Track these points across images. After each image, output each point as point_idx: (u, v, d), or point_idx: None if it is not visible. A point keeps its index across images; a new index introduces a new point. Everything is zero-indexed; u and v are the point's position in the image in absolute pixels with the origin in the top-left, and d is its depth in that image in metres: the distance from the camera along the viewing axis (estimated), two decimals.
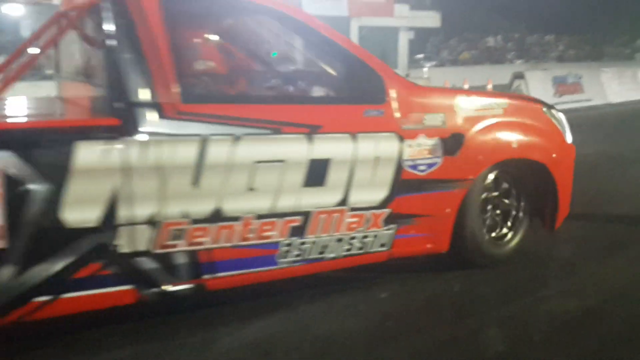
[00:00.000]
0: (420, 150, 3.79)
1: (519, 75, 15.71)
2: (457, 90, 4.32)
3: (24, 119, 3.13)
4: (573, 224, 4.87)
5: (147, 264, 3.10)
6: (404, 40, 24.21)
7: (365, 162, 3.60)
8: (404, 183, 3.75)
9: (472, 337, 3.27)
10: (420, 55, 28.77)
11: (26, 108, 3.56)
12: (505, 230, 4.37)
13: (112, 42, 3.05)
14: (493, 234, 4.29)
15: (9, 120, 3.09)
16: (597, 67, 19.45)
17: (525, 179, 4.38)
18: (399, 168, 3.72)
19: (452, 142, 3.90)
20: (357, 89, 3.69)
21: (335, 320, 3.46)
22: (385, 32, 23.74)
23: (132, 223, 3.01)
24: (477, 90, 4.73)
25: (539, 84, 15.39)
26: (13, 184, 2.74)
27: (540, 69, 18.88)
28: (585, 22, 43.68)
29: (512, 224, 4.38)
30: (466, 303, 3.76)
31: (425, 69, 22.26)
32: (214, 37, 3.73)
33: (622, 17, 46.23)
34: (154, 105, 3.04)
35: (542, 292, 3.87)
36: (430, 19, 24.13)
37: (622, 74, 17.61)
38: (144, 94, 3.03)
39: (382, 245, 3.79)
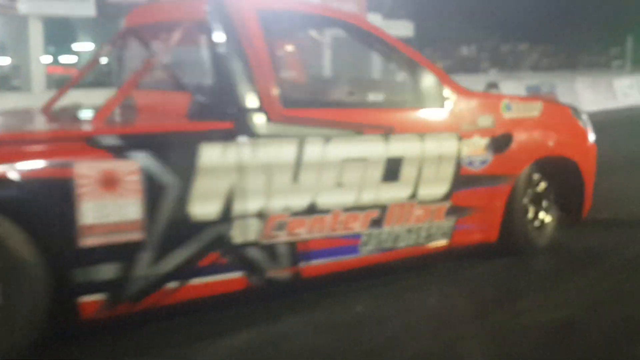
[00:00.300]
0: (475, 149, 4.19)
1: (493, 85, 16.24)
2: (501, 95, 4.71)
3: (156, 123, 3.43)
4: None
5: (255, 253, 3.43)
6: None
7: (430, 159, 3.99)
8: (462, 178, 4.14)
9: (449, 353, 3.18)
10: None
11: (134, 113, 3.84)
12: (542, 221, 4.78)
13: (221, 54, 3.38)
14: (534, 225, 4.69)
15: (139, 124, 3.38)
16: (571, 76, 19.89)
17: (556, 174, 4.79)
18: (458, 165, 4.11)
19: (501, 141, 4.32)
20: (421, 93, 4.07)
21: (311, 335, 3.36)
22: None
23: (244, 216, 3.34)
24: (513, 95, 5.13)
25: (512, 93, 15.97)
26: (149, 181, 3.05)
27: (514, 78, 19.49)
28: (560, 31, 44.63)
29: (547, 216, 4.80)
30: (444, 315, 3.68)
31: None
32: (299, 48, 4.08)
33: (596, 26, 47.34)
34: (261, 110, 3.38)
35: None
36: (404, 29, 24.44)
37: (596, 83, 17.95)
38: (252, 101, 3.37)
39: (444, 235, 4.18)
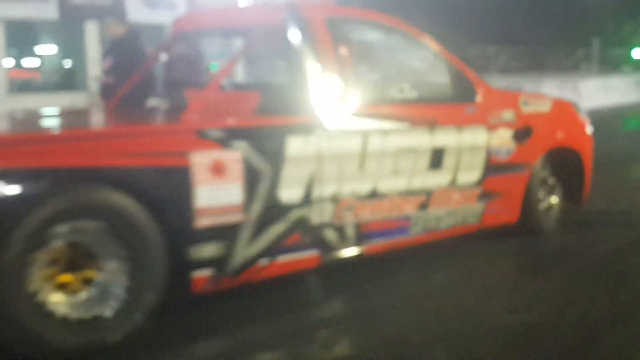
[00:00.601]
0: (501, 140, 4.71)
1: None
2: (518, 93, 5.23)
3: (254, 118, 3.78)
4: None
5: (329, 233, 3.86)
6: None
7: (466, 149, 4.48)
8: (491, 166, 4.65)
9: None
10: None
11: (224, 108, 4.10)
12: (550, 204, 5.32)
13: (297, 56, 3.80)
14: (545, 208, 5.24)
15: (240, 118, 3.73)
16: (539, 77, 20.32)
17: (562, 163, 5.33)
18: (488, 154, 4.62)
19: (522, 133, 4.85)
20: (457, 90, 4.56)
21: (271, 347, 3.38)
22: None
23: (321, 200, 3.76)
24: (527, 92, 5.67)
25: None
26: (249, 169, 3.44)
27: (483, 79, 20.04)
28: (528, 33, 45.65)
29: (556, 200, 5.35)
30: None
31: None
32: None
33: (564, 28, 48.56)
34: (333, 106, 3.81)
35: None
36: None
37: (563, 85, 18.16)
38: (325, 98, 3.80)
39: (476, 217, 4.68)
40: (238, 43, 4.45)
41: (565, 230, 5.38)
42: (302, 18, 3.89)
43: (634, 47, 37.53)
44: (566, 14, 46.89)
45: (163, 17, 20.63)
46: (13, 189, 2.78)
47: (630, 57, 36.32)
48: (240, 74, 7.25)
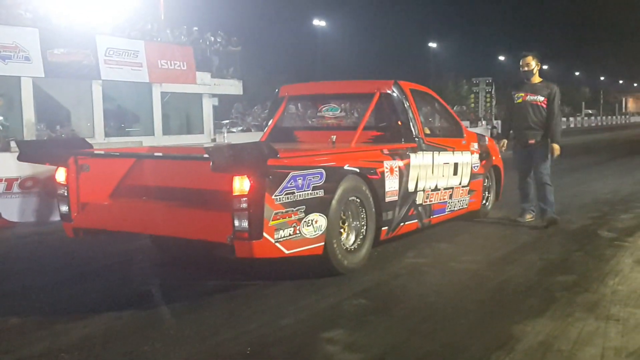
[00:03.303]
0: (475, 159, 7.79)
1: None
2: (475, 132, 8.40)
3: (396, 143, 6.38)
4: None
5: (421, 209, 6.61)
6: (207, 106, 26.00)
7: (464, 164, 7.49)
8: (472, 174, 7.71)
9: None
10: (226, 121, 31.60)
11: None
12: (487, 198, 8.49)
13: (401, 110, 6.54)
14: (486, 200, 8.42)
15: (393, 145, 6.34)
16: None
17: (493, 173, 8.55)
18: (471, 167, 7.67)
19: (483, 156, 7.98)
20: (456, 130, 7.57)
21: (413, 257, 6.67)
22: (189, 98, 25.74)
23: (419, 190, 6.52)
24: (474, 131, 8.86)
25: None
26: (399, 171, 6.10)
27: None
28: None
29: (489, 196, 8.53)
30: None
31: (225, 134, 25.45)
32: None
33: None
34: (421, 138, 6.61)
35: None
36: (233, 87, 26.45)
37: None
38: (418, 134, 6.58)
39: (466, 204, 7.69)
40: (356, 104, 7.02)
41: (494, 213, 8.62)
42: (401, 88, 6.65)
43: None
44: (413, 74, 53.52)
45: (17, 69, 21.28)
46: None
47: None
48: None
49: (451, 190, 7.26)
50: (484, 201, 8.35)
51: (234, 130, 28.50)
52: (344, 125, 6.86)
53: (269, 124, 7.30)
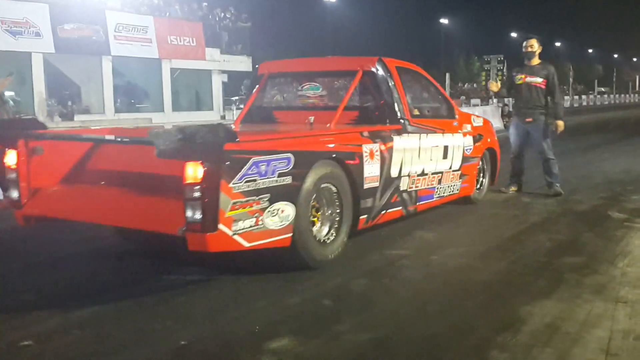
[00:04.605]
0: (468, 141, 7.26)
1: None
2: (470, 113, 7.85)
3: (377, 125, 5.86)
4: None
5: (405, 196, 6.11)
6: (217, 83, 25.73)
7: (455, 147, 6.96)
8: (464, 158, 7.18)
9: None
10: (236, 98, 31.19)
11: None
12: (481, 183, 7.97)
13: (385, 89, 6.01)
14: (480, 185, 7.89)
15: (375, 126, 5.80)
16: None
17: (488, 156, 8.01)
18: (463, 150, 7.15)
19: (476, 138, 7.44)
20: (448, 111, 7.03)
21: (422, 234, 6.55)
22: (198, 74, 25.40)
23: (404, 175, 6.01)
24: (468, 112, 8.32)
25: None
26: (381, 155, 5.59)
27: None
28: None
29: (484, 180, 8.01)
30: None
31: (234, 111, 25.03)
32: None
33: (418, 65, 52.85)
34: (406, 120, 6.08)
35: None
36: (242, 64, 25.91)
37: None
38: (403, 115, 6.05)
39: (457, 189, 7.17)
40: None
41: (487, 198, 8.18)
42: (385, 66, 6.11)
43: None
44: (422, 55, 52.71)
45: (28, 44, 20.95)
46: None
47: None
48: None
49: (440, 174, 6.74)
50: (478, 185, 7.83)
51: (242, 107, 28.01)
52: (326, 105, 6.35)
53: (246, 103, 6.81)
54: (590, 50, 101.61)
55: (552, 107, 8.20)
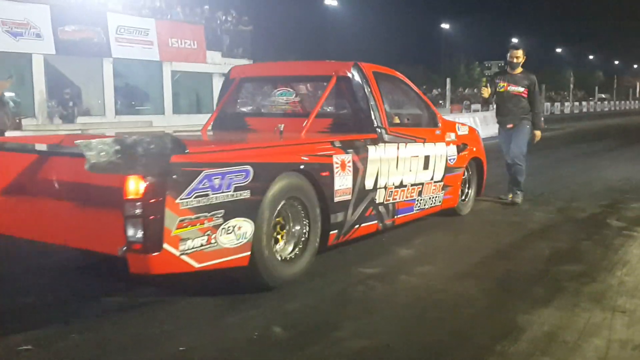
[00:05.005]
0: (451, 151, 6.83)
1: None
2: (454, 122, 7.41)
3: (352, 134, 5.43)
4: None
5: (382, 209, 5.70)
6: (218, 86, 25.55)
7: (437, 157, 6.54)
8: (447, 168, 6.75)
9: None
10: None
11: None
12: (467, 195, 7.54)
13: (361, 96, 5.58)
14: (464, 197, 7.45)
15: (347, 135, 5.36)
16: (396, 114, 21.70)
17: (473, 166, 7.58)
18: (446, 160, 6.72)
19: (460, 147, 7.02)
20: (431, 119, 6.61)
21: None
22: (199, 77, 25.10)
23: (380, 187, 5.60)
24: (455, 121, 7.90)
25: None
26: (354, 166, 5.17)
27: None
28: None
29: (469, 192, 7.57)
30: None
31: None
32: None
33: (421, 69, 52.07)
34: (384, 128, 5.66)
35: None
36: None
37: None
38: (380, 123, 5.64)
39: (440, 201, 6.75)
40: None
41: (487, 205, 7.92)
42: (361, 71, 5.71)
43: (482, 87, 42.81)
44: (423, 59, 52.06)
45: (28, 46, 20.60)
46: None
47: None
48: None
49: (421, 186, 6.32)
50: (463, 197, 7.41)
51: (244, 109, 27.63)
52: (298, 112, 5.95)
53: (214, 109, 6.41)
54: (591, 57, 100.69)
55: (527, 116, 8.09)
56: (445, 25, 67.65)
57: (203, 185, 3.79)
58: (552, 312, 4.10)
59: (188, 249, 3.76)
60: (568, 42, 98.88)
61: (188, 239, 3.75)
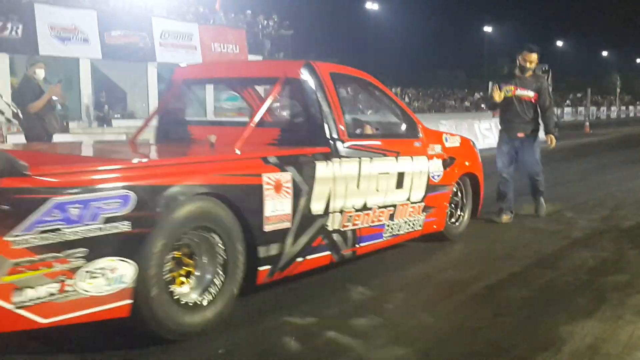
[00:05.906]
0: (435, 166, 5.66)
1: (360, 124, 17.12)
2: (441, 132, 6.24)
3: (293, 149, 4.40)
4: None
5: (337, 237, 4.64)
6: (259, 90, 25.15)
7: (416, 174, 5.40)
8: (429, 186, 5.60)
9: None
10: (277, 104, 30.16)
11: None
12: (458, 217, 6.30)
13: (313, 101, 4.50)
14: (453, 220, 6.26)
15: (287, 149, 4.36)
16: (437, 118, 20.26)
17: (467, 184, 6.37)
18: (428, 177, 5.58)
19: (447, 162, 5.84)
20: (409, 129, 5.47)
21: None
22: None
23: (334, 211, 4.52)
24: (446, 131, 6.74)
25: None
26: (295, 187, 4.13)
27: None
28: (430, 77, 47.28)
29: (464, 214, 6.34)
30: None
31: None
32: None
33: (463, 73, 50.59)
34: (340, 140, 4.59)
35: None
36: None
37: (459, 125, 17.90)
38: (335, 134, 4.56)
39: (420, 225, 5.61)
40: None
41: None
42: (314, 71, 4.62)
43: None
44: (462, 60, 50.63)
45: (76, 50, 20.28)
46: None
47: None
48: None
49: (393, 208, 5.20)
50: (453, 220, 6.22)
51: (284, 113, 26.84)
52: (240, 121, 4.94)
53: (149, 115, 5.44)
54: (638, 60, 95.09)
55: (538, 123, 7.16)
56: (487, 29, 64.61)
57: (52, 216, 2.88)
58: (595, 323, 3.86)
59: (27, 301, 2.83)
60: (615, 45, 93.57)
61: (28, 287, 2.82)
